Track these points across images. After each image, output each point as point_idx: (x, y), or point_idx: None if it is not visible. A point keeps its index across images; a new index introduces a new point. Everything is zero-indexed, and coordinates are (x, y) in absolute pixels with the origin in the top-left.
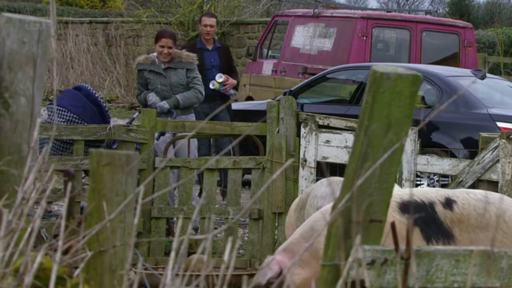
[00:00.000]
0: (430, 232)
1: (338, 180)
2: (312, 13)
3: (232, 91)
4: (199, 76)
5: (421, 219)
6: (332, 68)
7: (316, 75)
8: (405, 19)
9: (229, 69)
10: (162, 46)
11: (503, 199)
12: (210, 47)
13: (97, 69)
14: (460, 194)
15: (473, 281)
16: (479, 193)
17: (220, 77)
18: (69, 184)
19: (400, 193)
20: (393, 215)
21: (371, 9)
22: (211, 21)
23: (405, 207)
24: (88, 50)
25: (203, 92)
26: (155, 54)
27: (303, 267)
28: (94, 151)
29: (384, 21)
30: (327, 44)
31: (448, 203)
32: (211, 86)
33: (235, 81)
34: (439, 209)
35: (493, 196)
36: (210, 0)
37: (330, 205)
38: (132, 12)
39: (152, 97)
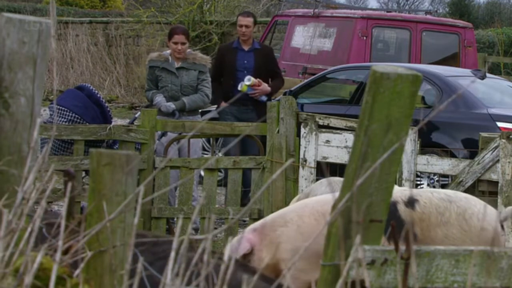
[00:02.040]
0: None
1: (338, 180)
2: (312, 13)
3: (264, 98)
4: (209, 79)
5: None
6: (332, 68)
7: (316, 75)
8: (405, 19)
9: (269, 73)
10: (176, 43)
11: (467, 198)
12: (246, 48)
13: (97, 69)
14: (424, 194)
15: (473, 281)
16: (444, 192)
17: (248, 80)
18: (69, 184)
19: None
20: None
21: (371, 9)
22: (246, 21)
23: None
24: (88, 50)
25: (210, 96)
26: (168, 52)
27: (268, 253)
28: (94, 151)
29: (384, 21)
30: (327, 44)
31: (410, 202)
32: (238, 88)
33: (268, 88)
34: (401, 207)
35: (458, 195)
36: (210, 0)
37: (308, 200)
38: (132, 12)
39: (158, 98)
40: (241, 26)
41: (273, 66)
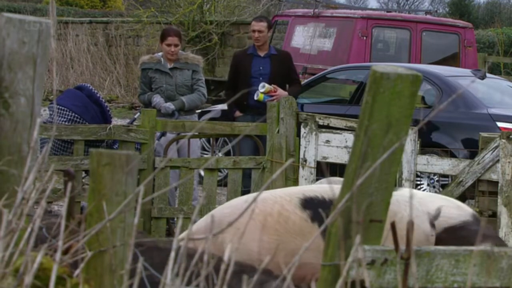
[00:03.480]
0: None
1: (338, 180)
2: (312, 13)
3: None
4: (203, 78)
5: (321, 216)
6: (332, 68)
7: (316, 75)
8: (405, 19)
9: (286, 79)
10: (169, 45)
11: (398, 201)
12: (262, 54)
13: (97, 69)
14: None
15: (473, 281)
16: None
17: (262, 87)
18: (69, 184)
19: (303, 189)
20: (295, 211)
21: (371, 9)
22: (259, 25)
23: (307, 203)
24: (88, 50)
25: (206, 95)
26: (160, 54)
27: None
28: (94, 151)
29: (384, 21)
30: (327, 44)
31: None
32: (255, 97)
33: (285, 92)
34: None
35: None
36: (210, 0)
37: (241, 200)
38: (132, 12)
39: (156, 99)
40: (254, 31)
41: (291, 73)
